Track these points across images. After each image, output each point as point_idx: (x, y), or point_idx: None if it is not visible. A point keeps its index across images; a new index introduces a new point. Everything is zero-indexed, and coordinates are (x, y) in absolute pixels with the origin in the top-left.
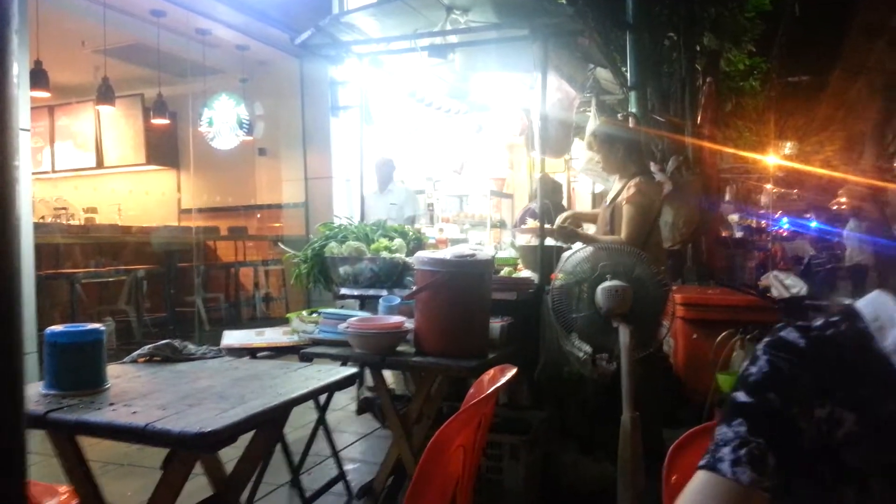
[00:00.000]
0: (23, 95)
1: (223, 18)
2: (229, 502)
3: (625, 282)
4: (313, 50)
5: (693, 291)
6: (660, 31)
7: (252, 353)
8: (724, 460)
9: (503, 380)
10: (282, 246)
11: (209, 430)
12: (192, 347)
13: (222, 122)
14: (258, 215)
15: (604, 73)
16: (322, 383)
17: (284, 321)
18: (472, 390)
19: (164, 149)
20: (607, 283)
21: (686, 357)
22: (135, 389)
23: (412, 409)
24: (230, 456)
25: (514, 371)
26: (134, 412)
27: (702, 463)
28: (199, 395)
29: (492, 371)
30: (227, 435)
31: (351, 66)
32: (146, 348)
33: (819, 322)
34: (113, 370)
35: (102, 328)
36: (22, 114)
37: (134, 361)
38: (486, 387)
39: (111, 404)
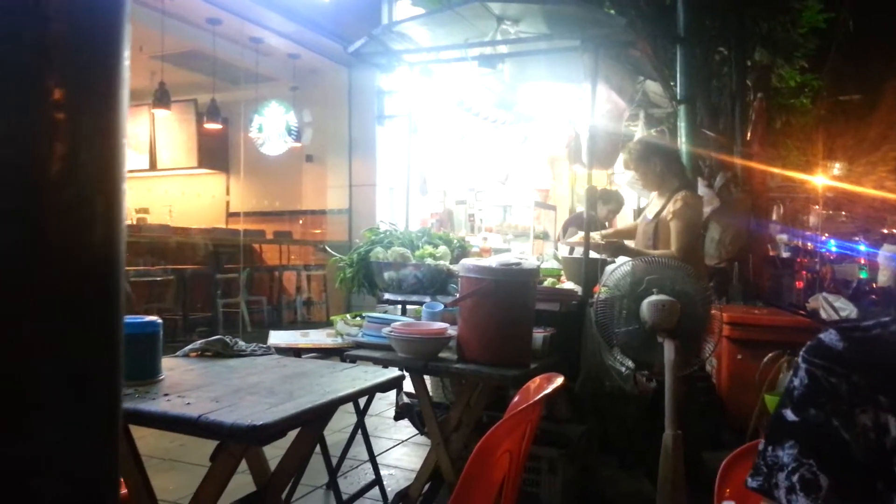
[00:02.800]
0: None
1: (276, 27)
2: (272, 499)
3: (671, 296)
4: (365, 58)
5: (739, 311)
6: (711, 44)
7: (297, 353)
8: (780, 487)
9: (550, 388)
10: (328, 249)
11: (260, 423)
12: (242, 344)
13: (272, 128)
14: (301, 221)
15: (652, 86)
16: (368, 384)
17: (325, 325)
18: (516, 398)
19: (215, 153)
20: (654, 298)
21: (729, 378)
22: (188, 382)
23: (451, 416)
24: (269, 455)
25: (560, 380)
26: (188, 403)
27: (754, 485)
28: (249, 389)
29: (537, 379)
30: (278, 429)
31: (400, 74)
32: (198, 343)
33: (868, 322)
34: (166, 363)
35: (159, 321)
36: None
37: (186, 356)
38: (532, 395)
39: (165, 395)
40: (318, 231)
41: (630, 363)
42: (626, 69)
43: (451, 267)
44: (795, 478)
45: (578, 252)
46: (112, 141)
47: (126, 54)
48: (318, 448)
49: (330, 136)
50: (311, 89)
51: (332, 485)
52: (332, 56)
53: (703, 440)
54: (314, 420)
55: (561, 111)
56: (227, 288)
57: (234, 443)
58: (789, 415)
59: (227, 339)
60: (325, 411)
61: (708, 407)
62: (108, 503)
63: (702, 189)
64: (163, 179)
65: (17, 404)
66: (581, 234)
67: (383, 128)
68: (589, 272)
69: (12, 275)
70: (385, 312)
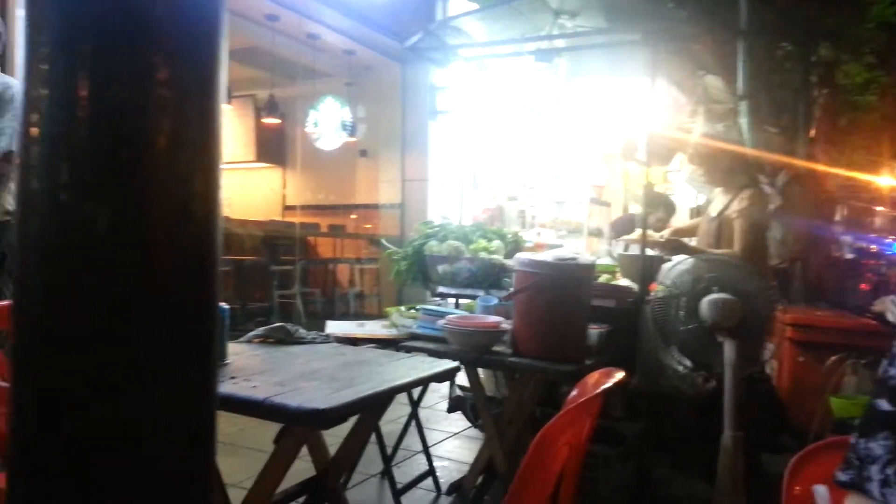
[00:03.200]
0: None
1: (332, 24)
2: (331, 483)
3: (731, 295)
4: (421, 53)
5: (802, 312)
6: (773, 39)
7: (353, 343)
8: (873, 480)
9: (610, 382)
10: (384, 242)
11: (324, 407)
12: (302, 332)
13: (327, 123)
14: (354, 215)
15: (713, 81)
16: (425, 374)
17: (378, 317)
18: (574, 392)
19: (272, 147)
20: (714, 296)
21: (791, 380)
22: (253, 366)
23: (505, 410)
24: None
25: (621, 375)
26: (253, 386)
27: (844, 479)
28: (311, 375)
29: (595, 374)
30: (340, 414)
31: (455, 70)
32: (261, 329)
33: None
34: (231, 348)
35: (226, 306)
36: None
37: (249, 342)
38: (591, 389)
39: (232, 378)
40: (369, 225)
41: (688, 362)
42: (687, 64)
43: (506, 261)
44: (890, 470)
45: (633, 249)
46: (211, 122)
47: (223, 42)
48: (371, 437)
49: (383, 131)
50: (366, 85)
51: (387, 473)
52: (387, 52)
53: (762, 442)
54: (374, 407)
55: (617, 107)
56: (283, 279)
57: (299, 426)
58: (884, 405)
59: (289, 327)
60: (385, 398)
61: (767, 409)
62: (207, 457)
63: (767, 188)
64: (222, 173)
65: (130, 368)
66: (634, 233)
67: (436, 123)
68: (646, 269)
69: (116, 245)
70: (438, 305)
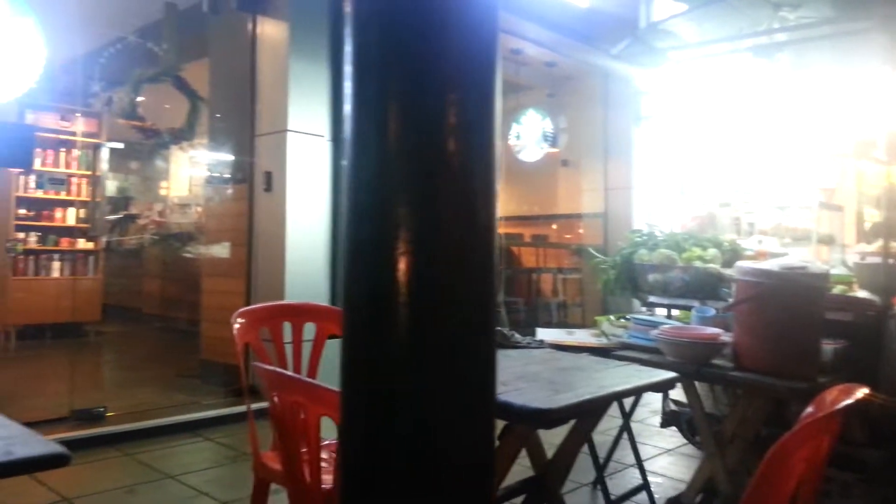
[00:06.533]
0: None
1: (534, 37)
2: (550, 483)
3: None
4: (628, 59)
5: None
6: None
7: (563, 350)
8: None
9: (851, 399)
10: (591, 251)
11: (547, 407)
12: (518, 336)
13: (529, 135)
14: (555, 225)
15: None
16: (644, 382)
17: (581, 327)
18: (810, 409)
19: None
20: None
21: None
22: None
23: (726, 427)
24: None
25: (863, 391)
26: None
27: None
28: (530, 377)
29: (835, 390)
30: (562, 415)
31: (662, 73)
32: None
33: None
34: None
35: None
36: None
37: None
38: (829, 406)
39: None
40: (569, 235)
41: None
42: None
43: (723, 270)
44: None
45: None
46: (489, 139)
47: (497, 67)
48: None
49: (585, 140)
50: (567, 95)
51: (600, 483)
52: (588, 61)
53: None
54: (592, 412)
55: (848, 101)
56: None
57: (522, 424)
58: None
59: (506, 331)
60: (604, 404)
61: None
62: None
63: None
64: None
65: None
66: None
67: (640, 129)
68: (889, 280)
69: (425, 245)
70: (649, 315)
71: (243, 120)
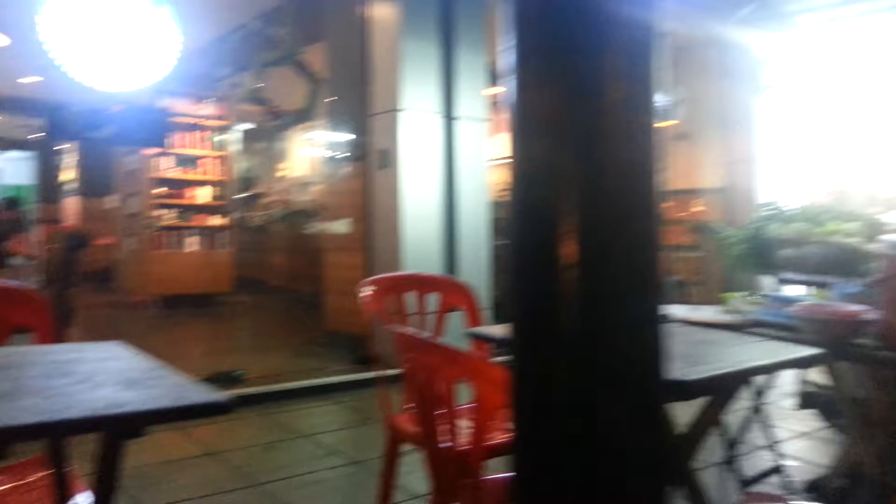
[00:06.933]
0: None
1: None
2: (681, 459)
3: None
4: (753, 24)
5: None
6: None
7: (691, 325)
8: None
9: None
10: (714, 227)
11: (687, 379)
12: None
13: None
14: (671, 201)
15: None
16: (786, 358)
17: (707, 305)
18: None
19: None
20: None
21: None
22: None
23: (874, 409)
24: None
25: None
26: None
27: None
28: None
29: None
30: (702, 387)
31: (789, 39)
32: None
33: None
34: None
35: None
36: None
37: None
38: None
39: None
40: (684, 213)
41: None
42: None
43: (867, 245)
44: None
45: None
46: (648, 139)
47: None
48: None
49: (703, 112)
50: (683, 66)
51: (731, 463)
52: (705, 30)
53: None
54: (730, 386)
55: None
56: None
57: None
58: None
59: None
60: (742, 378)
61: None
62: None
63: None
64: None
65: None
66: None
67: (762, 99)
68: None
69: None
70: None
71: (358, 100)
